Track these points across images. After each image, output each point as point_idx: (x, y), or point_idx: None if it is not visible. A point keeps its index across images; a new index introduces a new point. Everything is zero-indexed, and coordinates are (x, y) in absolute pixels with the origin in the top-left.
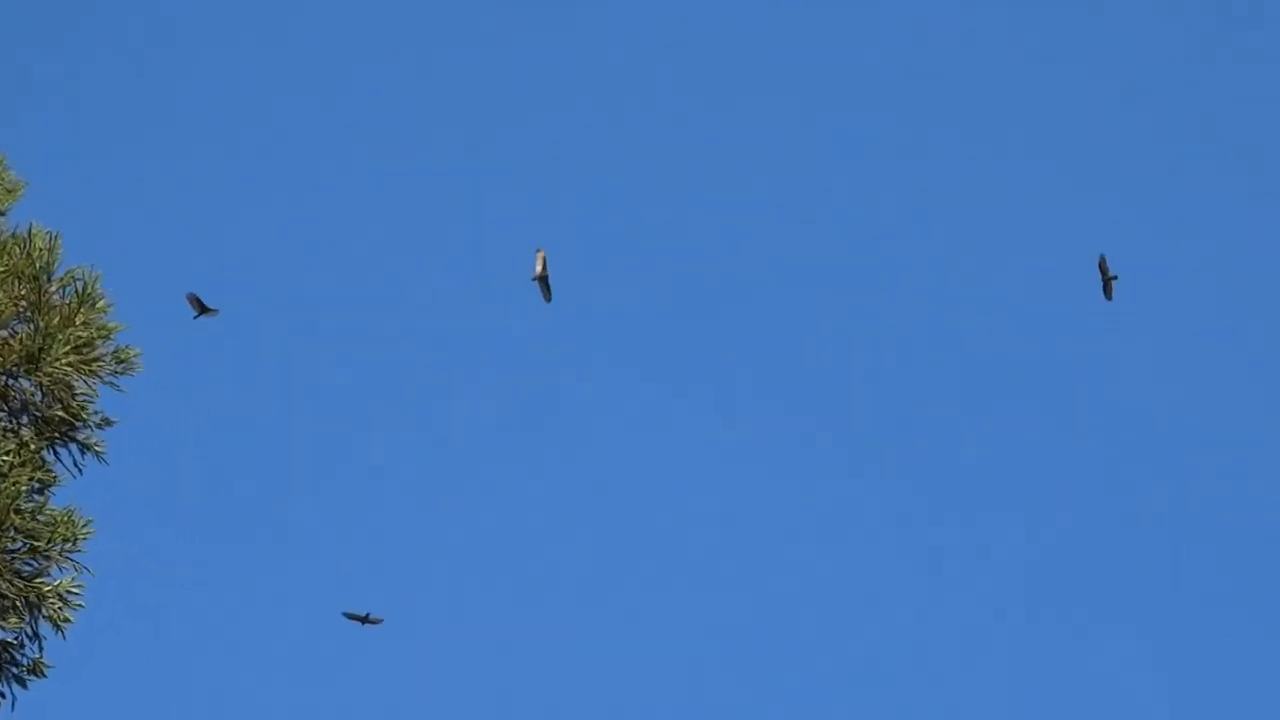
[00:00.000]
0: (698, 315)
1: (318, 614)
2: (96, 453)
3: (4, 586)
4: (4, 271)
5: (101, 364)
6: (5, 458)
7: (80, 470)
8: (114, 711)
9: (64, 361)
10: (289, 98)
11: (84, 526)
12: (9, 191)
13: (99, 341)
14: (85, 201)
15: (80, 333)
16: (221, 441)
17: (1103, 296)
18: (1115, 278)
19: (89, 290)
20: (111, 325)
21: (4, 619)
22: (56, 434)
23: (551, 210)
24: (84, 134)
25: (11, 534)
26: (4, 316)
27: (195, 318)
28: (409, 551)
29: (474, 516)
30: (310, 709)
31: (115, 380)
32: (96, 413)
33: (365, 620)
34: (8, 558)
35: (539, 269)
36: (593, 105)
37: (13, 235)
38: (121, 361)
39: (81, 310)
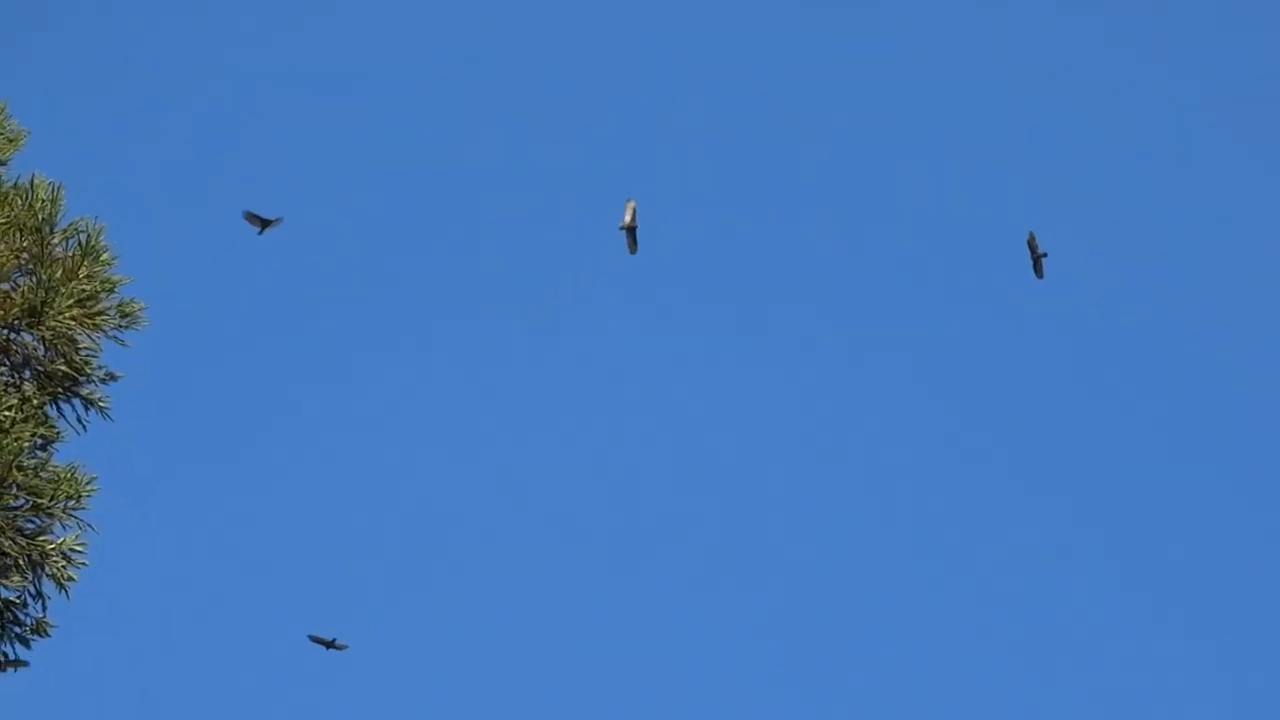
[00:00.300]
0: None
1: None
2: (100, 408)
3: (6, 544)
4: (5, 223)
5: (105, 318)
6: (7, 413)
7: (84, 426)
8: (118, 671)
9: (67, 315)
10: (298, 44)
11: (88, 484)
12: (11, 141)
13: (103, 295)
14: (89, 152)
15: (83, 286)
16: (229, 396)
17: (1034, 275)
18: (1045, 255)
19: (92, 243)
20: (115, 278)
21: (7, 577)
22: (59, 389)
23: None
24: (88, 82)
25: (14, 491)
26: (6, 269)
27: (260, 233)
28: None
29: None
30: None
31: (119, 334)
32: (100, 367)
33: (330, 645)
34: (10, 515)
35: (628, 218)
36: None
37: (14, 186)
38: (126, 315)
39: (85, 263)
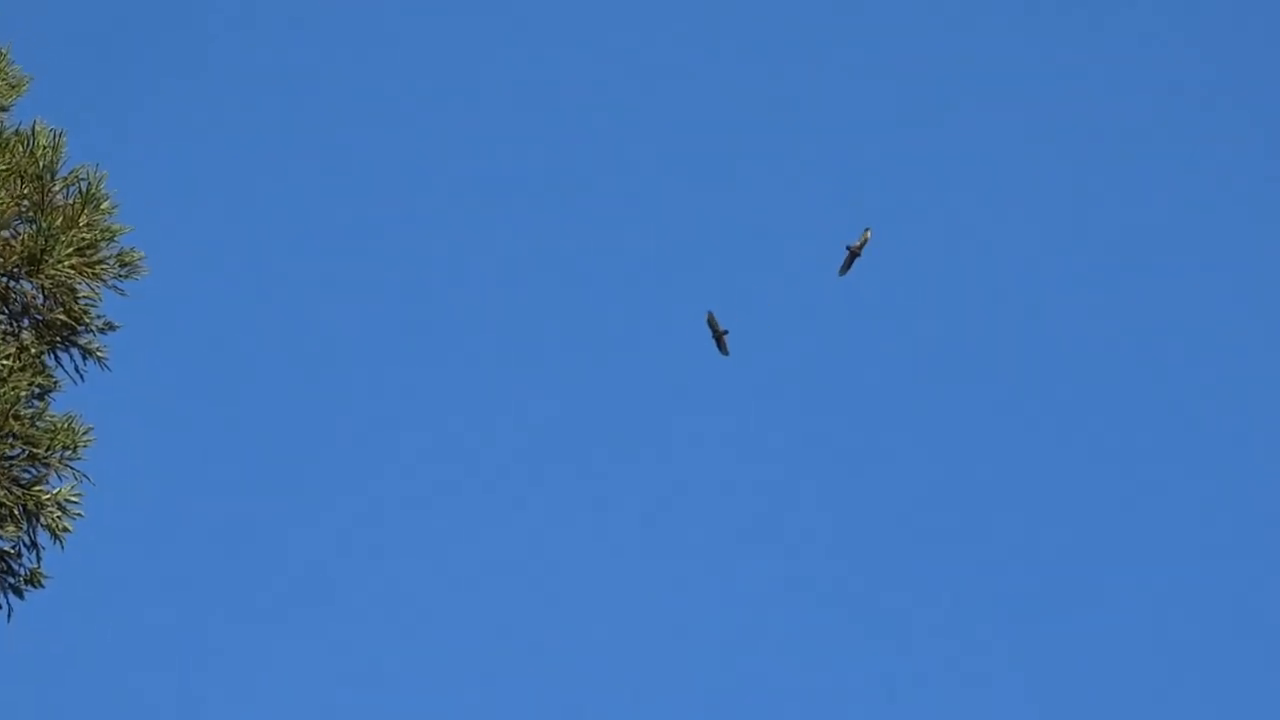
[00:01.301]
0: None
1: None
2: (98, 358)
3: (2, 494)
4: (6, 170)
5: (105, 267)
6: (5, 362)
7: (81, 376)
8: (112, 622)
9: (66, 264)
10: (298, 39)
11: (84, 434)
12: (12, 87)
13: (102, 244)
14: (91, 98)
15: (83, 234)
16: (227, 347)
17: (719, 354)
18: (726, 332)
19: (93, 191)
20: (116, 227)
21: (2, 527)
22: (58, 338)
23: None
24: (90, 27)
25: (10, 440)
26: (6, 216)
27: None
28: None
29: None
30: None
31: (119, 284)
32: (99, 317)
33: None
34: (6, 464)
35: (858, 243)
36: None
37: (16, 132)
38: (125, 265)
39: (85, 211)
